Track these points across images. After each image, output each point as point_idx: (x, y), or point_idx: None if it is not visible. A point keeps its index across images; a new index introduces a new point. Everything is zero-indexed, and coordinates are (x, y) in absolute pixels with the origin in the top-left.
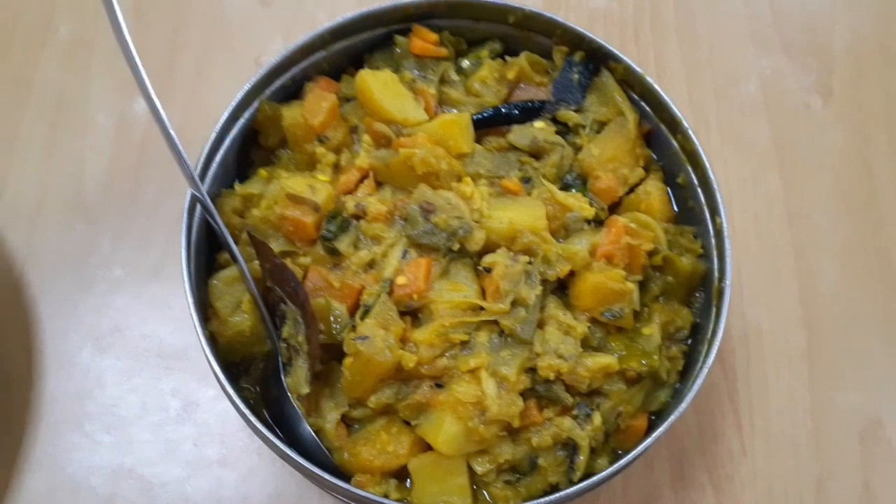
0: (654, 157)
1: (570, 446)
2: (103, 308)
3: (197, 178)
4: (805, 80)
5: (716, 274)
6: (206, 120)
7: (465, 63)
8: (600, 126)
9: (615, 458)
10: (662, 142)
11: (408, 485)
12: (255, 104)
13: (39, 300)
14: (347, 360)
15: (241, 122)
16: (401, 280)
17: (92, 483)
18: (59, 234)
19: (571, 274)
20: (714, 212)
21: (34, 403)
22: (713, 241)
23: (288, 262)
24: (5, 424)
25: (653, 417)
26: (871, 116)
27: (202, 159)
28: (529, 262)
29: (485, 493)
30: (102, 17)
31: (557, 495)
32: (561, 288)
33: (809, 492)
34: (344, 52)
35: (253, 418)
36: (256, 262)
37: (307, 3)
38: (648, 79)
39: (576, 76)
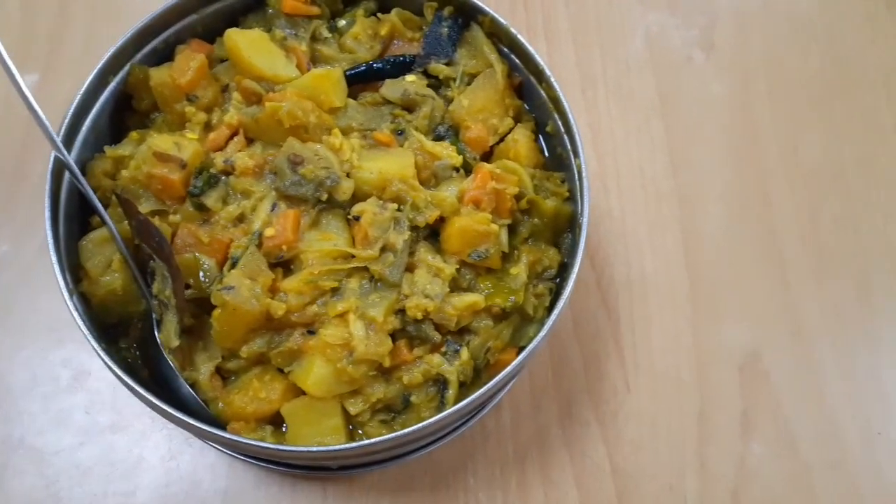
0: (527, 107)
1: (441, 382)
2: None
3: (57, 139)
4: (688, 35)
5: (578, 212)
6: None
7: (342, 23)
8: (471, 78)
9: None
10: (532, 92)
11: (284, 430)
12: (127, 68)
13: None
14: (216, 312)
15: (111, 86)
16: (269, 232)
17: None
18: None
19: (442, 220)
20: (575, 154)
21: None
22: (577, 184)
23: (157, 220)
24: None
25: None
26: (750, 66)
27: (67, 121)
28: (398, 209)
29: (360, 433)
30: None
31: (430, 421)
32: (434, 235)
33: (691, 423)
34: (218, 15)
35: (120, 372)
36: (127, 223)
37: None
38: (513, 30)
39: (445, 30)
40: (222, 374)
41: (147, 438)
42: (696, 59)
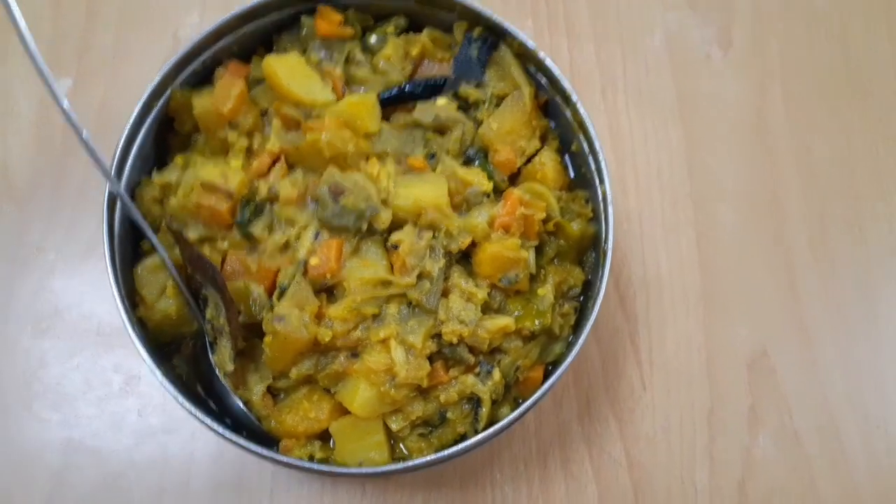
0: (552, 124)
1: (475, 400)
2: (40, 291)
3: (114, 178)
4: (706, 32)
5: (603, 236)
6: (129, 98)
7: (373, 38)
8: (499, 100)
9: (516, 406)
10: (558, 111)
11: (331, 444)
12: (168, 93)
13: None
14: (267, 339)
15: (154, 112)
16: (314, 261)
17: (44, 457)
18: None
19: (474, 244)
20: (600, 180)
21: None
22: (601, 205)
23: (207, 247)
24: None
25: (549, 368)
26: (766, 66)
27: (118, 154)
28: (433, 237)
29: (401, 445)
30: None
31: (465, 444)
32: (465, 257)
33: (702, 418)
34: (253, 34)
35: (182, 399)
36: (178, 249)
37: None
38: (541, 54)
39: (475, 52)
40: (272, 391)
41: (197, 439)
42: (713, 57)
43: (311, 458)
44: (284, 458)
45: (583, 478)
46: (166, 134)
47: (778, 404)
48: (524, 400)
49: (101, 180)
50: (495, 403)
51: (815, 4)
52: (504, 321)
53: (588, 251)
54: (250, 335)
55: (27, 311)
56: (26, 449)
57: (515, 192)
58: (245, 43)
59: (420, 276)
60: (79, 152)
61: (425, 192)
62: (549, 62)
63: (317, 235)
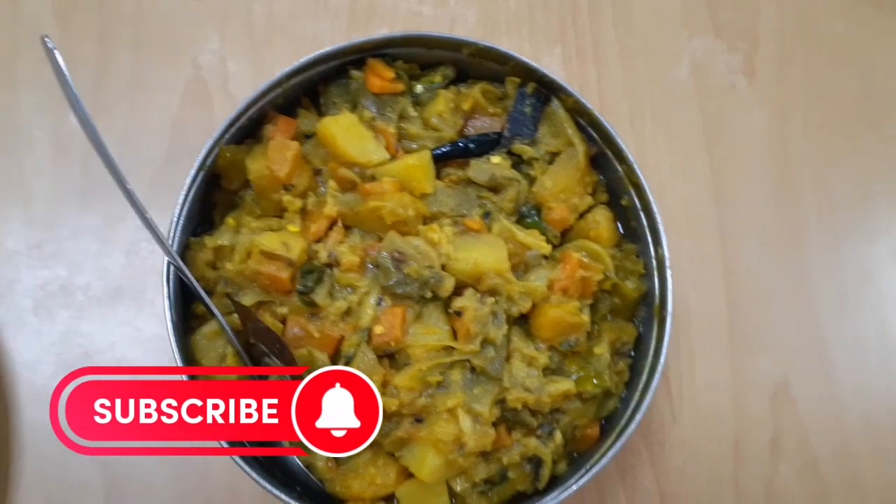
0: (601, 177)
1: (535, 460)
2: (69, 336)
3: (177, 257)
4: (732, 60)
5: (657, 299)
6: (150, 133)
7: (419, 88)
8: (552, 156)
9: (571, 460)
10: (608, 164)
11: None
12: (216, 151)
13: (2, 332)
14: None
15: (203, 171)
16: (378, 329)
17: (89, 493)
18: (12, 263)
19: (532, 306)
20: (657, 243)
21: (15, 435)
22: (654, 263)
23: (265, 313)
24: None
25: (603, 423)
26: (789, 95)
27: (174, 226)
28: (495, 302)
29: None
30: (23, 19)
31: None
32: (521, 317)
33: (728, 449)
34: (298, 86)
35: (249, 470)
36: (235, 315)
37: None
38: (597, 114)
39: (528, 109)
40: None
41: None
42: (739, 86)
43: None
44: None
45: None
46: (210, 190)
47: (797, 434)
48: (580, 454)
49: (124, 221)
50: (554, 463)
51: (836, 30)
52: (566, 386)
53: (639, 306)
54: None
55: (58, 356)
56: (65, 493)
57: (574, 256)
58: (289, 94)
59: (483, 343)
60: (99, 194)
61: (485, 255)
62: (604, 122)
63: (379, 302)
